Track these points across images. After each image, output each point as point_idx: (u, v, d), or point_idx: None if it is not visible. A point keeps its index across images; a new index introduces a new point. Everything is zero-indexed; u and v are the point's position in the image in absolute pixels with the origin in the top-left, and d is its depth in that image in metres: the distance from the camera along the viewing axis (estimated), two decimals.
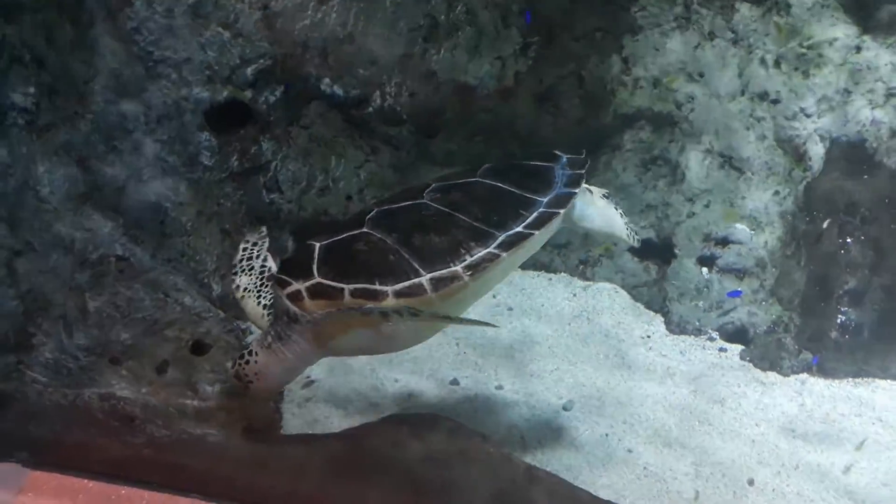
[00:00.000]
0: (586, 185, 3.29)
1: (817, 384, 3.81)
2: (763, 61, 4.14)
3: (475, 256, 2.77)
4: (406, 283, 2.68)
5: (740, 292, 4.01)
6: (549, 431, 3.61)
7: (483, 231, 2.85)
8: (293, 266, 2.86)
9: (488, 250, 2.80)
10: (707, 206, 4.23)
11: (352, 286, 2.67)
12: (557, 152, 3.32)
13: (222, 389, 3.67)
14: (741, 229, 4.11)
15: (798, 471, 3.36)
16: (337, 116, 4.68)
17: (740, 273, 4.12)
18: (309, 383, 3.86)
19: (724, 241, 4.16)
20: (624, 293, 4.48)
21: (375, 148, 4.80)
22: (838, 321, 3.78)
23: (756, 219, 4.10)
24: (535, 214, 2.96)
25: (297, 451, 2.94)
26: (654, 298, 4.37)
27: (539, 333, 4.17)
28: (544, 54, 4.51)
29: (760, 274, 4.08)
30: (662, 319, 4.29)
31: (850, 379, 3.82)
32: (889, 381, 3.82)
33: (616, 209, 3.37)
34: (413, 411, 3.71)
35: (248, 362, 2.86)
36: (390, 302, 2.64)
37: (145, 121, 4.16)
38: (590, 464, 3.41)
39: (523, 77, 4.53)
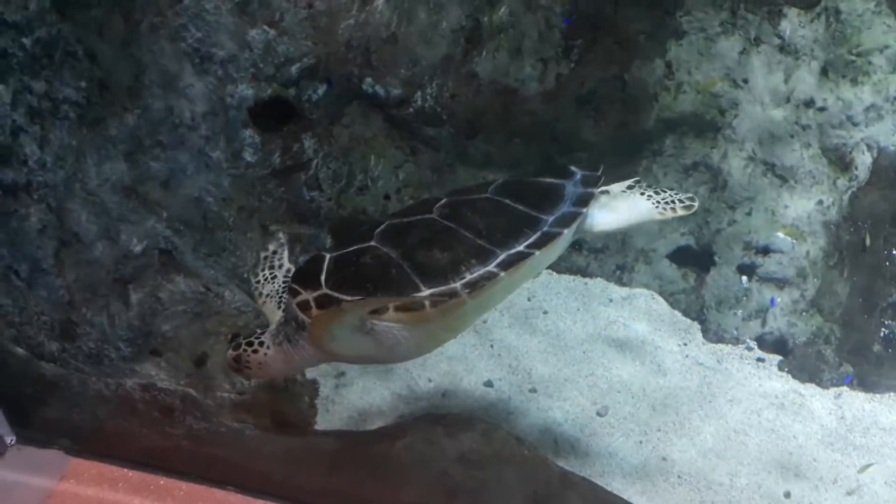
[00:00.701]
0: (604, 187, 3.22)
1: (857, 398, 3.70)
2: (810, 68, 4.06)
3: (475, 274, 2.75)
4: (406, 298, 2.67)
5: (775, 300, 3.92)
6: (583, 437, 3.56)
7: (484, 249, 2.83)
8: (304, 276, 2.86)
9: (488, 269, 2.77)
10: (749, 213, 4.12)
11: (355, 299, 2.67)
12: (573, 168, 3.25)
13: (258, 383, 3.72)
14: (783, 238, 4.00)
15: (836, 485, 3.29)
16: (378, 116, 4.68)
17: (781, 283, 4.01)
18: (339, 374, 3.90)
19: (766, 250, 4.05)
20: (661, 300, 4.40)
21: (415, 148, 4.79)
22: (882, 334, 3.67)
23: (799, 228, 4.00)
24: (538, 234, 2.93)
25: (331, 446, 2.94)
26: (692, 306, 4.28)
27: (574, 338, 4.12)
28: (587, 57, 4.42)
29: (801, 284, 3.97)
30: (699, 327, 4.20)
31: (892, 394, 3.70)
32: None
33: (643, 194, 3.25)
34: (446, 411, 3.71)
35: (255, 351, 2.85)
36: (391, 316, 2.64)
37: (191, 116, 4.19)
38: (623, 471, 3.37)
39: (565, 80, 4.45)
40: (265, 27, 4.44)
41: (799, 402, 3.69)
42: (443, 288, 2.74)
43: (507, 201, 3.11)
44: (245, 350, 2.90)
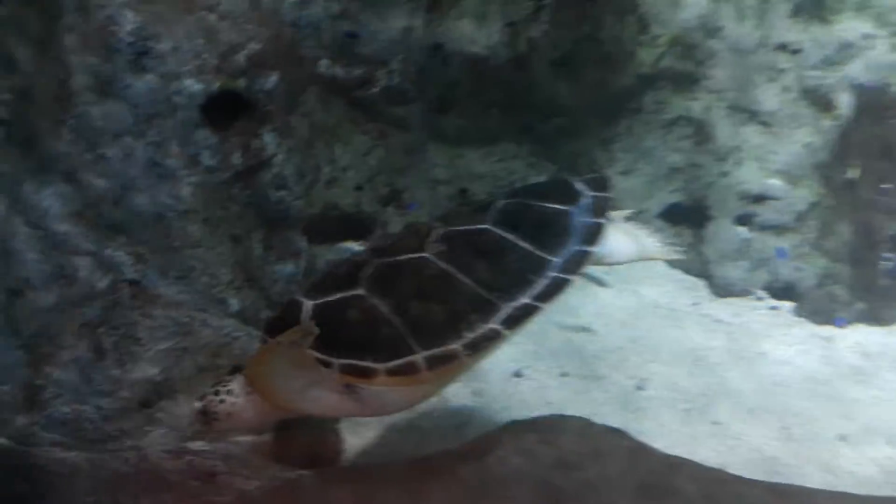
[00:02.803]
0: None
1: (874, 333, 3.68)
2: (780, 11, 3.90)
3: (476, 333, 2.40)
4: (400, 362, 2.33)
5: (786, 254, 3.83)
6: (630, 413, 3.29)
7: (486, 301, 2.46)
8: (280, 327, 2.40)
9: (490, 327, 2.43)
10: (738, 163, 3.97)
11: (342, 361, 2.32)
12: (578, 185, 2.80)
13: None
14: (777, 185, 3.90)
15: (884, 423, 3.19)
16: (339, 101, 4.10)
17: (780, 229, 3.91)
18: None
19: (761, 198, 3.93)
20: (659, 261, 4.17)
21: (383, 131, 4.26)
22: (883, 268, 3.67)
23: (790, 173, 3.91)
24: (545, 283, 2.54)
25: (412, 475, 2.50)
26: (693, 263, 4.10)
27: (588, 313, 3.84)
28: (557, 18, 4.06)
29: (801, 228, 3.88)
30: (705, 283, 4.05)
31: None
32: None
33: (642, 230, 2.93)
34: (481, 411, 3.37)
35: (222, 401, 2.46)
36: (382, 380, 2.31)
37: (133, 122, 3.51)
38: (679, 441, 3.12)
39: (537, 43, 4.07)
40: (203, 12, 3.78)
41: (822, 345, 3.63)
42: (441, 350, 2.37)
43: (510, 236, 2.65)
44: (211, 401, 2.47)
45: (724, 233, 3.99)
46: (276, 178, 4.01)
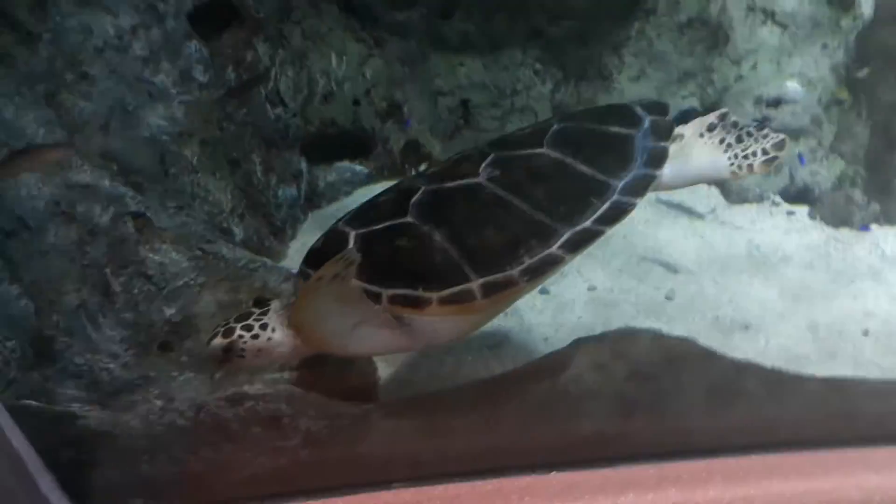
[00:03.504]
0: (678, 129, 2.60)
1: (890, 233, 3.68)
2: None
3: (535, 258, 2.27)
4: (454, 290, 2.19)
5: (804, 159, 3.82)
6: (662, 324, 3.25)
7: (546, 226, 2.33)
8: (321, 257, 2.20)
9: (550, 251, 2.29)
10: (754, 67, 3.83)
11: (391, 291, 2.17)
12: (637, 110, 2.61)
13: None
14: (793, 87, 3.82)
15: None
16: (332, 5, 3.80)
17: (796, 133, 3.82)
18: None
19: (777, 102, 3.82)
20: None
21: (380, 39, 3.97)
22: None
23: (807, 75, 3.83)
24: (607, 205, 2.39)
25: (483, 397, 2.43)
26: None
27: None
28: None
29: (817, 132, 3.81)
30: (719, 191, 3.96)
31: None
32: None
33: (723, 141, 2.57)
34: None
35: (256, 336, 2.22)
36: (434, 310, 2.18)
37: (116, 34, 3.12)
38: (713, 349, 3.20)
39: None
40: None
41: (841, 248, 3.63)
42: (498, 276, 2.25)
43: (568, 159, 2.49)
44: (241, 336, 2.22)
45: None
46: (272, 94, 3.74)
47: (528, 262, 2.28)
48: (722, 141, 2.55)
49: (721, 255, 3.67)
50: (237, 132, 3.48)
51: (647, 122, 2.58)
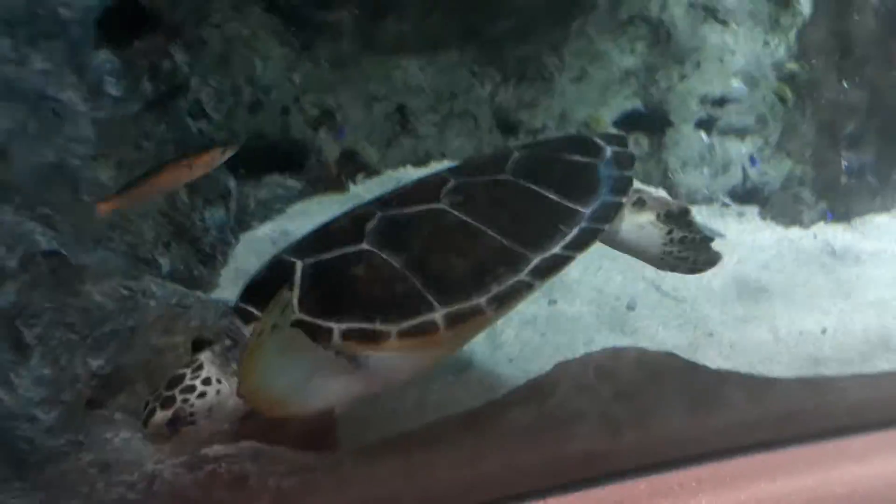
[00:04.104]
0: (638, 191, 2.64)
1: (838, 230, 3.85)
2: None
3: (503, 286, 2.19)
4: (415, 321, 2.08)
5: (758, 161, 3.87)
6: (627, 336, 3.24)
7: (513, 252, 2.27)
8: (262, 292, 2.08)
9: (518, 278, 2.22)
10: (697, 65, 3.86)
11: (344, 325, 2.03)
12: (598, 141, 2.64)
13: None
14: (738, 86, 3.90)
15: (860, 313, 3.39)
16: (254, 6, 3.55)
17: (742, 132, 3.92)
18: None
19: (722, 101, 3.89)
20: None
21: (308, 41, 3.72)
22: (844, 166, 3.84)
23: (750, 73, 3.90)
24: (575, 231, 2.36)
25: (465, 429, 2.30)
26: (652, 172, 4.02)
27: None
28: None
29: (763, 131, 3.90)
30: (666, 194, 3.96)
31: (858, 218, 3.92)
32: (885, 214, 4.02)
33: (668, 234, 2.61)
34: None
35: (203, 394, 2.03)
36: (393, 344, 2.06)
37: (12, 45, 2.79)
38: (681, 354, 3.22)
39: None
40: None
41: (794, 248, 3.73)
42: (463, 305, 2.15)
43: (532, 186, 2.47)
44: (185, 401, 2.02)
45: (685, 139, 3.94)
46: (194, 106, 3.46)
47: (495, 289, 2.20)
48: (669, 233, 2.59)
49: None
50: (157, 151, 3.18)
51: (608, 152, 2.59)
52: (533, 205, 2.46)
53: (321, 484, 2.17)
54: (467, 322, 2.15)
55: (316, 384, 2.06)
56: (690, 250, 2.61)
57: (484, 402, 2.82)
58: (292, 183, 3.79)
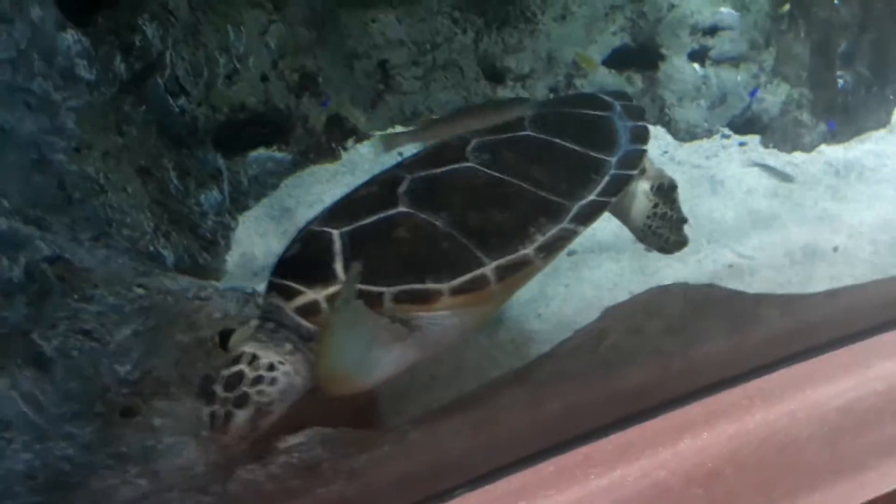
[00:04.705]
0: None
1: (837, 151, 3.93)
2: None
3: (547, 235, 2.27)
4: (466, 277, 2.12)
5: (757, 90, 3.90)
6: (646, 276, 3.31)
7: (552, 202, 2.35)
8: (303, 266, 2.10)
9: (562, 226, 2.31)
10: None
11: (394, 289, 2.04)
12: (606, 97, 2.81)
13: None
14: (728, 13, 3.89)
15: (865, 227, 3.53)
16: None
17: (736, 61, 3.92)
18: None
19: (713, 30, 3.87)
20: None
21: (279, 2, 3.55)
22: (840, 85, 3.89)
23: None
24: (607, 178, 2.48)
25: (528, 387, 2.36)
26: (648, 110, 3.91)
27: None
28: None
29: (757, 57, 3.91)
30: (665, 130, 4.01)
31: (857, 136, 3.99)
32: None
33: (654, 207, 2.80)
34: None
35: (274, 380, 1.98)
36: (446, 302, 2.09)
37: None
38: (700, 281, 3.26)
39: None
40: None
41: (798, 171, 3.80)
42: (512, 257, 2.21)
43: (556, 139, 2.59)
44: (260, 392, 1.96)
45: (679, 72, 3.93)
46: (171, 83, 3.27)
47: (540, 239, 2.26)
48: (655, 207, 2.78)
49: (687, 197, 3.72)
50: (141, 135, 3.02)
51: (618, 106, 2.77)
52: (560, 157, 2.54)
53: (392, 457, 2.17)
54: (517, 274, 2.21)
55: (375, 355, 2.05)
56: (667, 228, 2.80)
57: (532, 358, 2.88)
58: (281, 156, 3.65)
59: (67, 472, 2.32)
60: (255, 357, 2.00)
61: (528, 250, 2.23)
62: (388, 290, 2.05)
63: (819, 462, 2.32)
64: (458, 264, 2.15)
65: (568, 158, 2.54)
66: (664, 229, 2.78)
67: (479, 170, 2.40)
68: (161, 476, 2.29)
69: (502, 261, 2.19)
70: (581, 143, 2.57)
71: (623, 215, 2.80)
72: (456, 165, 2.40)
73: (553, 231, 2.29)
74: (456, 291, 2.10)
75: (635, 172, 2.57)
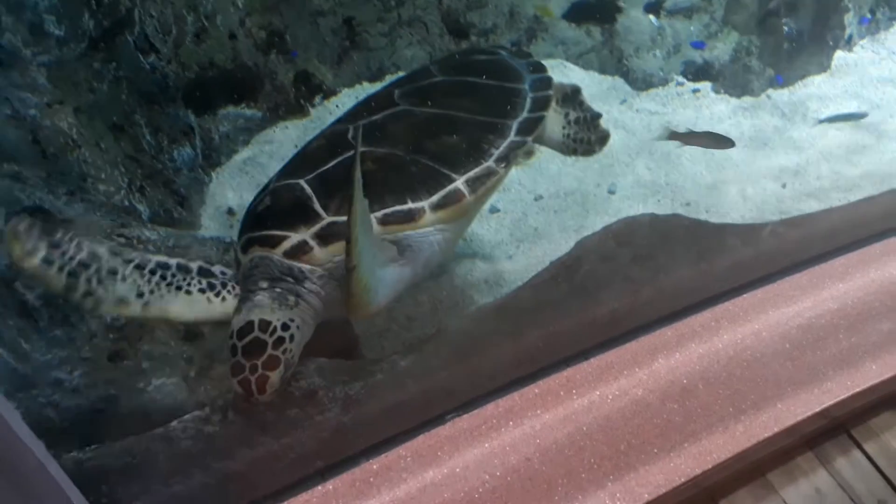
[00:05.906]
0: None
1: (783, 94, 4.02)
2: None
3: (501, 147, 2.43)
4: (442, 192, 2.25)
5: (704, 44, 3.99)
6: (610, 217, 3.34)
7: (494, 122, 2.51)
8: (278, 214, 2.16)
9: (511, 139, 2.48)
10: None
11: (380, 213, 2.15)
12: (500, 50, 2.99)
13: None
14: None
15: (814, 157, 3.70)
16: None
17: (688, 11, 4.00)
18: None
19: None
20: (572, 66, 4.10)
21: None
22: (785, 32, 4.01)
23: None
24: (529, 98, 2.65)
25: (511, 316, 2.47)
26: (607, 61, 4.08)
27: None
28: None
29: (708, 7, 3.98)
30: (623, 80, 4.07)
31: (799, 81, 4.11)
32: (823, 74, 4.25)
33: (566, 117, 2.88)
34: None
35: (293, 336, 2.05)
36: (429, 218, 2.22)
37: None
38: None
39: None
40: None
41: (749, 115, 3.89)
42: (477, 170, 2.36)
43: (469, 78, 2.74)
44: (285, 350, 2.01)
45: (636, 24, 3.99)
46: (140, 40, 3.22)
47: (496, 152, 2.42)
48: (567, 116, 2.88)
49: (645, 142, 3.81)
50: (112, 92, 2.98)
51: (503, 52, 2.96)
52: (481, 90, 2.69)
53: (385, 386, 2.22)
54: (486, 184, 2.34)
55: (382, 274, 2.12)
56: (585, 131, 2.90)
57: (508, 291, 2.95)
58: (251, 113, 3.63)
59: (51, 418, 2.32)
60: (265, 323, 2.05)
61: (489, 162, 2.37)
62: (373, 215, 2.11)
63: (783, 375, 2.44)
64: (431, 183, 2.26)
65: (488, 90, 2.68)
66: (583, 132, 2.89)
67: (415, 109, 2.52)
68: (154, 415, 2.31)
69: (470, 174, 2.32)
70: (493, 78, 2.72)
71: (544, 139, 2.90)
72: (393, 110, 2.52)
73: (505, 143, 2.45)
74: (436, 207, 2.22)
75: (551, 92, 2.73)
